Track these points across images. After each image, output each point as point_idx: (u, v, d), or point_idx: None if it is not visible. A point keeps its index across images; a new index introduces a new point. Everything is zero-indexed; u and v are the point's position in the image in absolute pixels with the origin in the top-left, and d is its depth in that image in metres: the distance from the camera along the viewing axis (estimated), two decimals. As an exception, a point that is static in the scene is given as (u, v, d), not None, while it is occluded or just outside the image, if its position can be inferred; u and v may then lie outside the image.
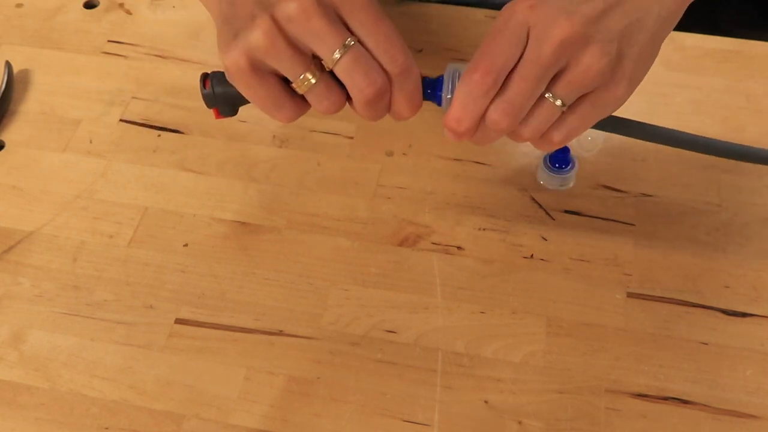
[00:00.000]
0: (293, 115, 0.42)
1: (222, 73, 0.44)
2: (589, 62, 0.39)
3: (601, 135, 0.60)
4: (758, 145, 0.61)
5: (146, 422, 0.49)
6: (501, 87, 0.40)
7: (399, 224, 0.57)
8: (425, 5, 0.71)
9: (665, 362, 0.51)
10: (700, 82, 0.64)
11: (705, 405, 0.49)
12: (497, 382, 0.50)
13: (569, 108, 0.42)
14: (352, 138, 0.62)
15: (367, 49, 0.39)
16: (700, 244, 0.56)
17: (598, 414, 0.49)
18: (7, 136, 0.63)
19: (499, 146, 0.61)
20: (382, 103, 0.41)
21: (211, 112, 0.47)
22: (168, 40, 0.69)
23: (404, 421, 0.49)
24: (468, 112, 0.41)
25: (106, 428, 0.49)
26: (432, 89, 0.43)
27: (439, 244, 0.56)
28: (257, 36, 0.38)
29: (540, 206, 0.58)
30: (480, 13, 0.70)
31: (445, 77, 0.43)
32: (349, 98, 0.42)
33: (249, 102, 0.44)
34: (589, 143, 0.60)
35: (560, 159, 0.58)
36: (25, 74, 0.67)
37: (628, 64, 0.40)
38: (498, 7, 0.71)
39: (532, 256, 0.55)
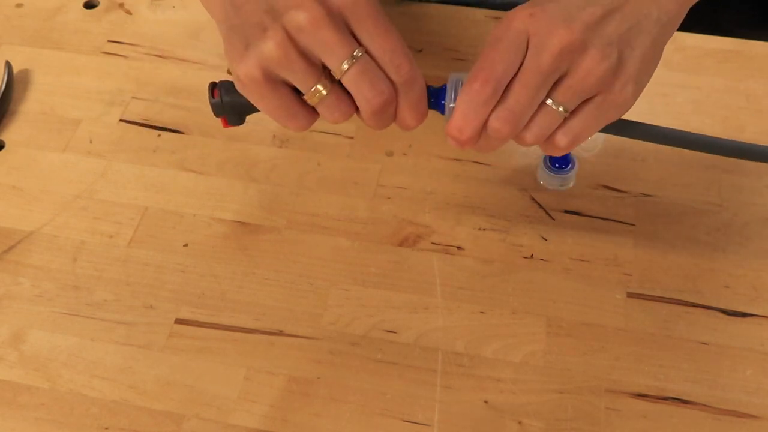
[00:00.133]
0: (306, 124, 0.42)
1: (230, 83, 0.44)
2: (589, 68, 0.39)
3: (601, 135, 0.60)
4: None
5: (146, 422, 0.49)
6: (502, 95, 0.41)
7: (399, 224, 0.57)
8: (425, 5, 0.71)
9: (665, 362, 0.51)
10: (700, 82, 0.64)
11: (705, 405, 0.49)
12: (497, 382, 0.50)
13: (573, 112, 0.42)
14: (352, 138, 0.62)
15: (373, 59, 0.40)
16: (700, 244, 0.56)
17: (598, 414, 0.49)
18: (7, 136, 0.63)
19: (499, 146, 0.61)
20: (388, 113, 0.42)
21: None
22: (168, 40, 0.69)
23: (404, 421, 0.49)
24: (469, 120, 0.41)
25: (106, 428, 0.49)
26: (435, 98, 0.44)
27: (439, 244, 0.56)
28: (270, 47, 0.38)
29: (540, 206, 0.58)
30: (480, 13, 0.70)
31: (448, 86, 0.43)
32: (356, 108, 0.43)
33: (256, 111, 0.44)
34: (589, 143, 0.60)
35: (560, 159, 0.58)
36: (25, 74, 0.67)
37: (631, 68, 0.40)
38: (498, 7, 0.71)
39: (532, 256, 0.55)
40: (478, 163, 0.60)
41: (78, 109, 0.65)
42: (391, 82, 0.41)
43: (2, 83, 0.65)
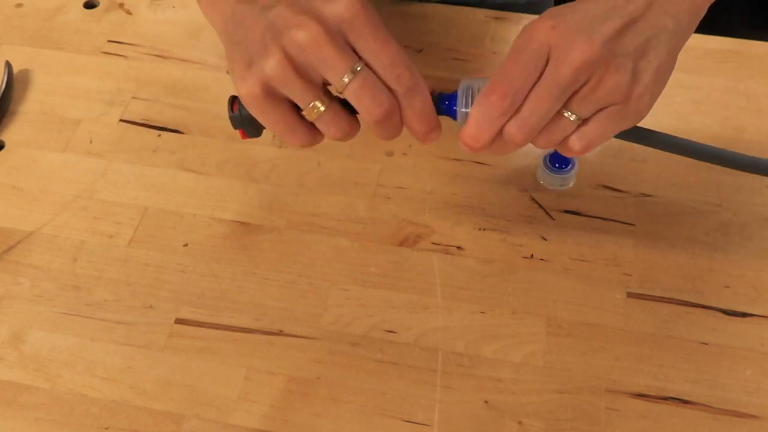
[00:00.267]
0: (306, 139, 0.43)
1: None
2: (607, 81, 0.40)
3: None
4: (757, 145, 0.61)
5: (146, 422, 0.49)
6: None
7: (399, 224, 0.57)
8: (425, 5, 0.71)
9: (665, 362, 0.51)
10: (700, 82, 0.64)
11: (705, 405, 0.49)
12: (497, 382, 0.50)
13: (588, 119, 0.42)
14: (352, 138, 0.62)
15: (374, 71, 0.40)
16: (700, 244, 0.56)
17: (598, 414, 0.49)
18: (7, 136, 0.63)
19: (499, 146, 0.61)
20: (391, 123, 0.42)
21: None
22: (168, 40, 0.69)
23: (404, 421, 0.49)
24: (484, 130, 0.42)
25: (106, 428, 0.49)
26: (447, 103, 0.44)
27: (439, 244, 0.56)
28: (271, 65, 0.39)
29: (540, 206, 0.58)
30: (480, 13, 0.70)
31: (459, 93, 0.44)
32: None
33: None
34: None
35: (560, 159, 0.58)
36: (25, 74, 0.67)
37: (647, 80, 0.41)
38: (498, 7, 0.71)
39: (532, 256, 0.55)
40: (478, 163, 0.60)
41: (78, 109, 0.65)
42: (393, 92, 0.41)
43: (2, 83, 0.65)
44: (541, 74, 0.40)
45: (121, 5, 0.72)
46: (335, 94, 0.42)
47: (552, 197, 0.58)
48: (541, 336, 0.52)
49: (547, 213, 0.58)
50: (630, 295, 0.53)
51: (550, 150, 0.58)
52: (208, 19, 0.45)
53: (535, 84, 0.40)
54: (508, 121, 0.41)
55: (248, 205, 0.59)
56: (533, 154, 0.60)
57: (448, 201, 0.58)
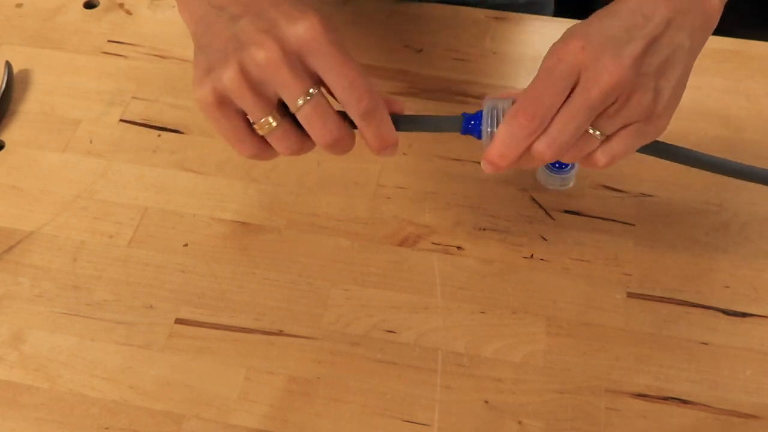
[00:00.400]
0: (255, 151, 0.44)
1: None
2: (632, 101, 0.41)
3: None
4: (757, 145, 0.61)
5: (146, 422, 0.49)
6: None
7: (399, 224, 0.57)
8: (425, 5, 0.71)
9: (665, 362, 0.51)
10: (700, 82, 0.64)
11: (705, 405, 0.49)
12: (497, 382, 0.50)
13: (611, 136, 0.43)
14: (352, 138, 0.62)
15: (334, 93, 0.41)
16: (700, 244, 0.56)
17: (598, 414, 0.49)
18: (7, 136, 0.63)
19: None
20: (340, 147, 0.43)
21: None
22: (168, 40, 0.69)
23: (404, 421, 0.49)
24: (511, 150, 0.43)
25: (106, 428, 0.49)
26: (473, 123, 0.45)
27: (439, 244, 0.56)
28: (227, 76, 0.40)
29: (540, 206, 0.58)
30: (480, 13, 0.70)
31: (484, 113, 0.44)
32: None
33: None
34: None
35: (560, 159, 0.58)
36: (25, 74, 0.67)
37: (666, 97, 0.42)
38: (498, 7, 0.71)
39: (532, 256, 0.55)
40: (478, 163, 0.60)
41: (78, 109, 0.65)
42: (353, 113, 0.42)
43: (2, 83, 0.65)
44: (570, 93, 0.41)
45: (121, 5, 0.72)
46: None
47: (552, 197, 0.58)
48: (541, 336, 0.52)
49: (547, 213, 0.58)
50: (630, 295, 0.53)
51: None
52: (182, 18, 0.45)
53: (563, 103, 0.41)
54: (536, 139, 0.42)
55: (248, 205, 0.59)
56: (533, 154, 0.60)
57: (448, 201, 0.58)
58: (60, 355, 0.52)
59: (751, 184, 0.58)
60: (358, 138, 0.44)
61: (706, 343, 0.51)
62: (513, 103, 0.43)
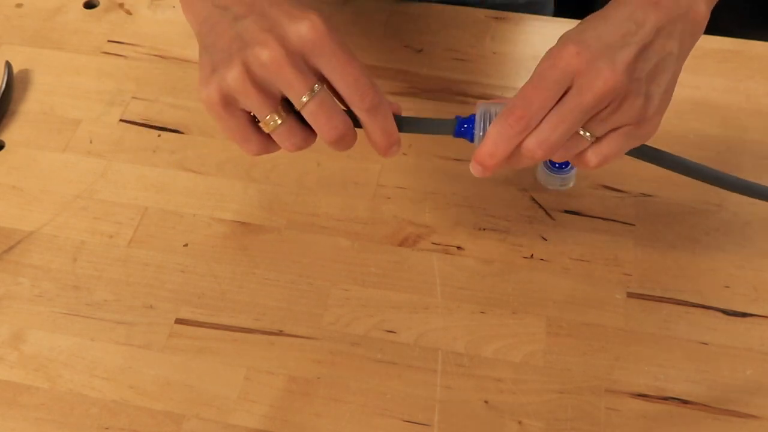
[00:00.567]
0: (260, 149, 0.44)
1: None
2: (624, 106, 0.42)
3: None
4: (757, 145, 0.61)
5: (146, 422, 0.49)
6: (540, 122, 0.42)
7: (399, 224, 0.57)
8: (425, 5, 0.71)
9: (665, 362, 0.51)
10: (700, 82, 0.64)
11: (705, 405, 0.49)
12: (497, 382, 0.50)
13: (602, 138, 0.44)
14: (352, 138, 0.62)
15: (338, 90, 0.42)
16: (700, 244, 0.56)
17: (598, 414, 0.49)
18: (7, 136, 0.63)
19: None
20: (344, 142, 0.44)
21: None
22: (168, 40, 0.69)
23: (404, 421, 0.49)
24: (499, 148, 0.43)
25: (106, 428, 0.49)
26: (466, 127, 0.46)
27: (439, 244, 0.56)
28: (232, 76, 0.40)
29: (540, 206, 0.58)
30: (480, 13, 0.70)
31: (477, 117, 0.45)
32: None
33: None
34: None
35: (560, 159, 0.58)
36: (25, 74, 0.67)
37: (656, 102, 0.43)
38: (498, 7, 0.71)
39: (532, 256, 0.55)
40: (478, 163, 0.60)
41: (78, 109, 0.65)
42: (357, 109, 0.43)
43: (2, 83, 0.65)
44: (562, 97, 0.42)
45: (121, 5, 0.72)
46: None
47: (552, 197, 0.58)
48: (541, 336, 0.52)
49: (547, 213, 0.58)
50: (630, 295, 0.53)
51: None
52: (186, 19, 0.45)
53: (556, 105, 0.42)
54: (526, 137, 0.42)
55: (248, 205, 0.59)
56: (533, 154, 0.60)
57: (448, 201, 0.58)
58: (60, 355, 0.52)
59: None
60: (359, 136, 0.44)
61: (706, 343, 0.51)
62: None
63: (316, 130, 0.43)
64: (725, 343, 0.51)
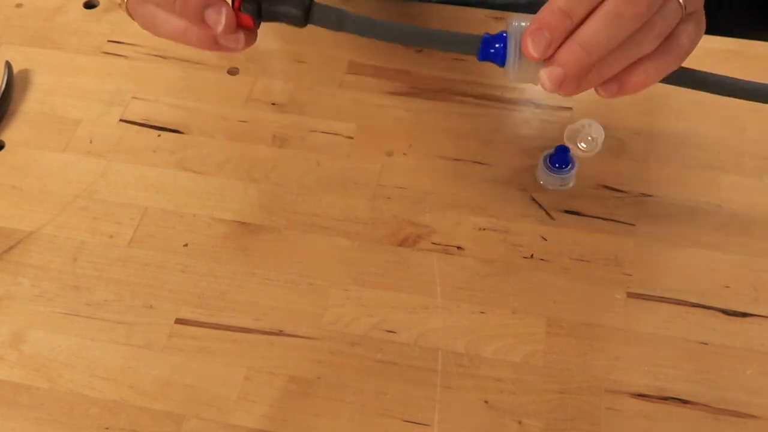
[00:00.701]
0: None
1: None
2: None
3: (601, 135, 0.60)
4: (757, 145, 0.61)
5: (146, 422, 0.49)
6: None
7: (399, 224, 0.57)
8: (425, 5, 0.71)
9: (665, 362, 0.51)
10: (700, 82, 0.64)
11: (705, 405, 0.49)
12: (497, 382, 0.50)
13: (647, 55, 0.41)
14: (352, 138, 0.62)
15: None
16: (700, 244, 0.56)
17: (598, 414, 0.49)
18: (7, 136, 0.63)
19: (499, 146, 0.61)
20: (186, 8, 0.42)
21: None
22: (168, 40, 0.69)
23: (404, 421, 0.49)
24: (580, 1, 0.38)
25: (106, 428, 0.49)
26: (496, 46, 0.40)
27: (439, 244, 0.56)
28: None
29: (540, 206, 0.58)
30: (480, 13, 0.70)
31: (510, 34, 0.40)
32: None
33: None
34: (589, 143, 0.60)
35: (560, 159, 0.58)
36: (25, 74, 0.67)
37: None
38: (498, 7, 0.71)
39: (532, 256, 0.55)
40: (478, 163, 0.60)
41: (78, 109, 0.65)
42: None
43: (2, 83, 0.65)
44: None
45: (121, 5, 0.72)
46: None
47: (552, 197, 0.58)
48: (541, 336, 0.52)
49: (547, 213, 0.58)
50: (630, 295, 0.53)
51: (550, 150, 0.58)
52: None
53: None
54: None
55: (248, 205, 0.59)
56: (533, 154, 0.60)
57: (448, 201, 0.58)
58: (60, 355, 0.52)
59: (751, 185, 0.58)
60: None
61: (706, 343, 0.51)
62: None
63: None
64: (725, 343, 0.51)
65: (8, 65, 0.66)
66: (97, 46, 0.69)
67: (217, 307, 0.54)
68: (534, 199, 0.58)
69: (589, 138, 0.60)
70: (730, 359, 0.51)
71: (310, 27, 0.44)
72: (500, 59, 0.41)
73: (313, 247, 0.56)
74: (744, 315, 0.52)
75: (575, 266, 0.55)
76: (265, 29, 0.46)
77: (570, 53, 0.39)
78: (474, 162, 0.60)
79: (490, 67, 0.67)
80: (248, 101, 0.65)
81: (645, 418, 0.49)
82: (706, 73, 0.45)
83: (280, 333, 0.52)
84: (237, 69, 0.67)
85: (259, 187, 0.60)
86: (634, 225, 0.57)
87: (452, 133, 0.62)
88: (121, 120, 0.64)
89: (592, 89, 0.42)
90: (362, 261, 0.55)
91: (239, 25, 0.41)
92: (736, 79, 0.45)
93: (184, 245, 0.57)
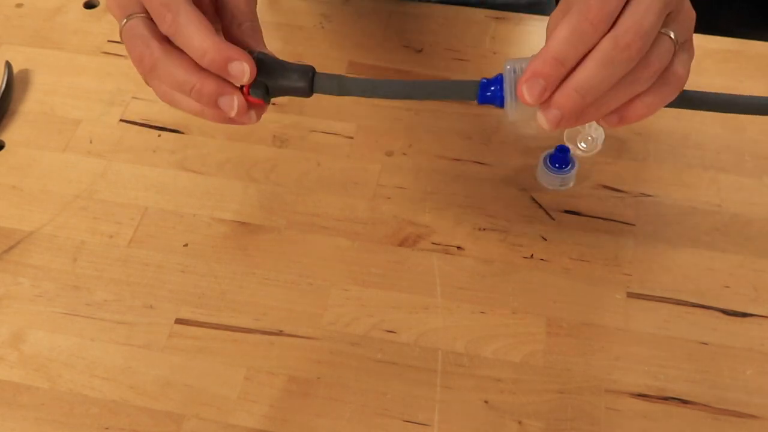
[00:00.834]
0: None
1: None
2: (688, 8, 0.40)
3: (601, 135, 0.60)
4: (757, 145, 0.61)
5: (146, 422, 0.49)
6: (617, 24, 0.39)
7: (399, 224, 0.57)
8: (425, 5, 0.71)
9: (665, 362, 0.51)
10: (700, 82, 0.64)
11: (705, 405, 0.49)
12: (497, 382, 0.50)
13: (648, 89, 0.41)
14: (352, 138, 0.62)
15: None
16: (700, 244, 0.56)
17: (598, 414, 0.49)
18: (7, 136, 0.63)
19: (499, 146, 0.61)
20: (154, 75, 0.45)
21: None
22: (168, 40, 0.69)
23: (404, 421, 0.49)
24: (573, 47, 0.38)
25: (106, 428, 0.49)
26: (492, 89, 0.41)
27: (439, 244, 0.56)
28: None
29: (540, 206, 0.58)
30: (480, 13, 0.70)
31: (506, 76, 0.41)
32: None
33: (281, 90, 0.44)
34: (589, 143, 0.60)
35: (560, 159, 0.58)
36: (25, 74, 0.67)
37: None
38: (498, 7, 0.71)
39: (532, 256, 0.55)
40: (478, 163, 0.60)
41: (78, 109, 0.65)
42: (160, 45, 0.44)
43: (2, 83, 0.65)
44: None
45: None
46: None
47: (552, 197, 0.58)
48: (541, 336, 0.52)
49: (547, 213, 0.58)
50: (630, 295, 0.53)
51: (550, 150, 0.58)
52: None
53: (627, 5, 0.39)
54: (611, 29, 0.38)
55: (248, 205, 0.59)
56: (533, 154, 0.60)
57: (448, 201, 0.58)
58: (60, 355, 0.52)
59: (751, 185, 0.58)
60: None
61: (706, 343, 0.51)
62: None
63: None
64: (725, 343, 0.51)
65: (8, 65, 0.66)
66: (97, 46, 0.69)
67: (217, 307, 0.54)
68: (534, 199, 0.58)
69: (589, 138, 0.60)
70: (730, 359, 0.51)
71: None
72: (498, 101, 0.42)
73: (313, 247, 0.56)
74: (744, 315, 0.52)
75: (575, 266, 0.55)
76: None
77: (566, 97, 0.39)
78: (474, 162, 0.60)
79: (490, 67, 0.67)
80: (248, 101, 0.65)
81: (645, 418, 0.49)
82: (705, 93, 0.45)
83: (280, 333, 0.52)
84: (237, 69, 0.67)
85: (259, 187, 0.60)
86: (633, 225, 0.57)
87: (452, 133, 0.62)
88: (121, 120, 0.64)
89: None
90: (362, 261, 0.55)
91: (250, 106, 0.43)
92: (734, 95, 0.46)
93: (184, 245, 0.57)
